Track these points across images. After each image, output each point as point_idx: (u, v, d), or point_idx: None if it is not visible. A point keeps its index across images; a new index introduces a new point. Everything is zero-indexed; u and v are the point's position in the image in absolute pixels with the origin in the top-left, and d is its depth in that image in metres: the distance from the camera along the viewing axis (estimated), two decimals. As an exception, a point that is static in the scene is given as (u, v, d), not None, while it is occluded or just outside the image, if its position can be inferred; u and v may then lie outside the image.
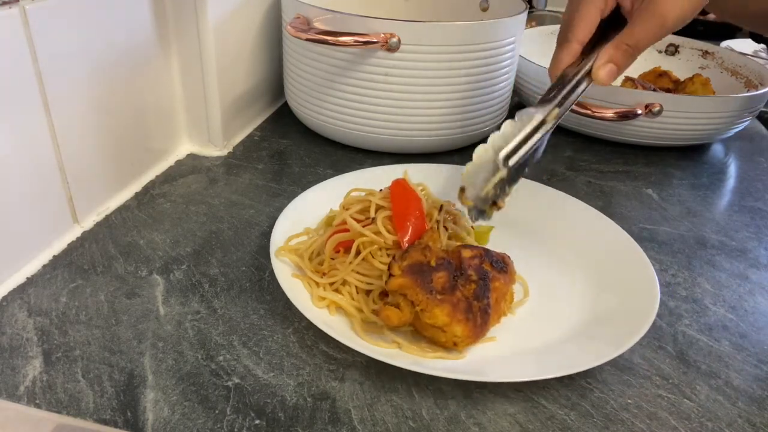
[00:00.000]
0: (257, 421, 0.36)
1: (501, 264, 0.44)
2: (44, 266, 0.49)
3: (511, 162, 0.46)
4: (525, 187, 0.59)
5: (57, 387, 0.38)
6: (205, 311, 0.45)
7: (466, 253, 0.43)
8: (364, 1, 0.79)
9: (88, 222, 0.54)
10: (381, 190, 0.49)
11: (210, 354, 0.41)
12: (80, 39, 0.49)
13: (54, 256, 0.50)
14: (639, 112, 0.69)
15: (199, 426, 0.36)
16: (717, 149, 0.79)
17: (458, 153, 0.71)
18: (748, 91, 0.82)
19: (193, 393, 0.38)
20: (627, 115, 0.69)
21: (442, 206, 0.48)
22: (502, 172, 0.46)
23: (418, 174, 0.55)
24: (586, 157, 0.73)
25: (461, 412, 0.38)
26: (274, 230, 0.49)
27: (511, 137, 0.47)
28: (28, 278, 0.47)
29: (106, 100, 0.54)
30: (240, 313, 0.45)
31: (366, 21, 0.59)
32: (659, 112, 0.69)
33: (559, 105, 0.49)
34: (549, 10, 1.44)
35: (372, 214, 0.46)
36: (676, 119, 0.71)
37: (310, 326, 0.44)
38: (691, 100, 0.71)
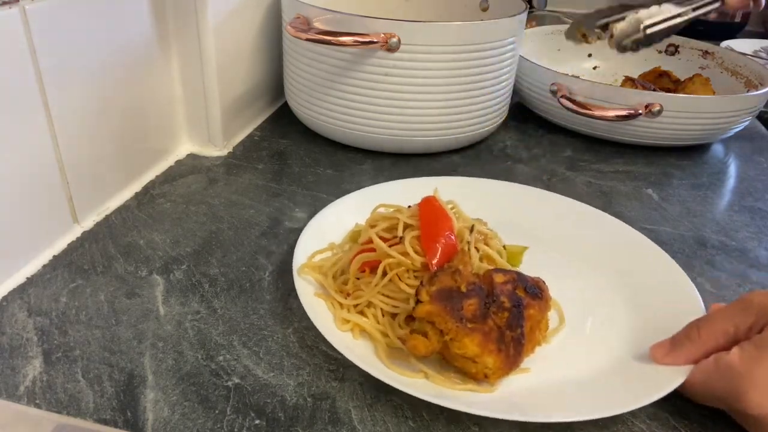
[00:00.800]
0: (257, 421, 0.36)
1: (535, 289, 0.41)
2: (44, 266, 0.49)
3: (649, 30, 0.71)
4: (559, 203, 0.56)
5: (57, 387, 0.38)
6: (205, 311, 0.45)
7: (499, 278, 0.40)
8: (364, 1, 0.79)
9: (88, 222, 0.54)
10: (409, 206, 0.47)
11: (210, 354, 0.41)
12: (80, 39, 0.49)
13: (54, 256, 0.50)
14: (639, 112, 0.69)
15: (199, 426, 0.36)
16: (717, 149, 0.79)
17: (458, 153, 0.71)
18: (748, 91, 0.82)
19: (193, 393, 0.38)
20: (627, 115, 0.69)
21: (473, 226, 0.45)
22: (640, 35, 0.72)
23: (445, 187, 0.51)
24: (586, 157, 0.73)
25: (461, 412, 0.38)
26: (297, 246, 0.47)
27: (657, 14, 0.71)
28: (28, 278, 0.47)
29: (106, 100, 0.54)
30: (240, 313, 0.45)
31: (366, 21, 0.59)
32: (659, 112, 0.69)
33: (694, 10, 0.71)
34: (549, 10, 1.44)
35: (400, 232, 0.44)
36: (676, 119, 0.71)
37: (310, 327, 0.44)
38: (691, 100, 0.71)
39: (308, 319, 0.44)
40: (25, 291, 0.46)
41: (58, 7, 0.46)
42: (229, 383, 0.39)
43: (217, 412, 0.37)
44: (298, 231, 0.55)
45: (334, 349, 0.42)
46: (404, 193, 0.52)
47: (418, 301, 0.38)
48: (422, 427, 0.37)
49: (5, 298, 0.45)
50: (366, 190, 0.55)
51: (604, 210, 0.56)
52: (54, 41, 0.47)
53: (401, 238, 0.43)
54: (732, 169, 0.74)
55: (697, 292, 0.45)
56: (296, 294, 0.47)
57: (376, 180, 0.64)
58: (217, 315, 0.45)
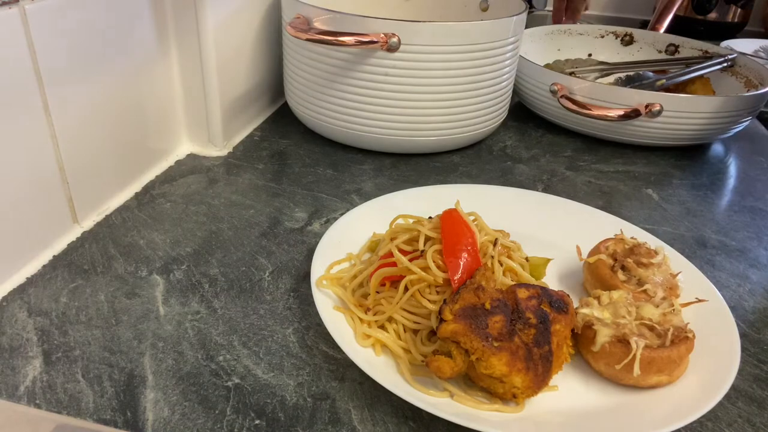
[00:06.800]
0: (257, 421, 0.36)
1: (561, 304, 0.39)
2: (44, 266, 0.49)
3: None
4: (579, 211, 0.56)
5: (57, 387, 0.38)
6: (205, 311, 0.45)
7: (523, 294, 0.39)
8: (364, 1, 0.79)
9: (88, 222, 0.54)
10: (430, 218, 0.46)
11: (210, 354, 0.41)
12: (80, 39, 0.49)
13: (54, 256, 0.50)
14: (639, 112, 0.69)
15: (199, 426, 0.36)
16: (717, 149, 0.79)
17: (458, 153, 0.71)
18: (748, 91, 0.82)
19: (193, 393, 0.38)
20: (627, 115, 0.69)
21: (497, 240, 0.44)
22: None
23: (457, 194, 0.50)
24: (586, 157, 0.73)
25: (461, 412, 0.38)
26: (314, 256, 0.46)
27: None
28: (28, 278, 0.47)
29: (106, 100, 0.54)
30: (240, 313, 0.45)
31: (366, 21, 0.59)
32: (659, 112, 0.69)
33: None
34: (549, 10, 1.44)
35: (421, 246, 0.43)
36: (676, 119, 0.71)
37: (310, 326, 0.44)
38: (691, 100, 0.71)
39: (308, 319, 0.44)
40: (25, 291, 0.46)
41: (58, 7, 0.46)
42: (229, 383, 0.39)
43: (217, 412, 0.37)
44: (298, 231, 0.55)
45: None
46: (420, 201, 0.51)
47: (441, 320, 0.37)
48: (422, 427, 0.37)
49: (5, 298, 0.45)
50: (381, 199, 0.54)
51: (604, 210, 0.56)
52: (54, 41, 0.47)
53: (423, 251, 0.42)
54: (732, 169, 0.74)
55: (731, 315, 0.43)
56: (296, 294, 0.47)
57: (376, 180, 0.64)
58: (217, 315, 0.45)
